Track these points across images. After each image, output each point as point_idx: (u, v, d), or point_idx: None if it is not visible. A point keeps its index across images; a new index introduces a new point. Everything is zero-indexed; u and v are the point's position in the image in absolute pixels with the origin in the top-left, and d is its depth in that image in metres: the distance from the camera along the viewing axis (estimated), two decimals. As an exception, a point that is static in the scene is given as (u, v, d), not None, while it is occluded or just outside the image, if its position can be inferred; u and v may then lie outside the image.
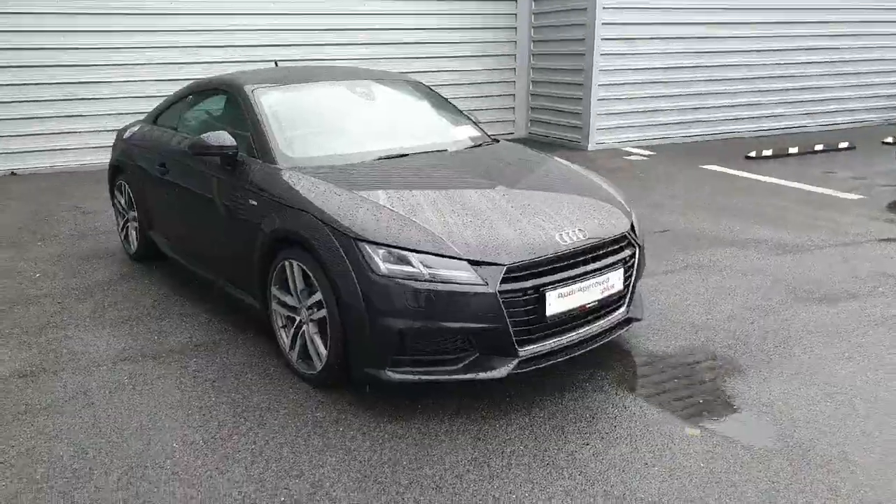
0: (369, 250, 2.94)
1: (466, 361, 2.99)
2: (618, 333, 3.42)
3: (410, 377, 2.98)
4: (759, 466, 2.68)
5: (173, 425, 3.01)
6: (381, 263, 2.91)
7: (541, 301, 2.98)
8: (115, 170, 5.19)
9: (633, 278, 3.43)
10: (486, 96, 10.89)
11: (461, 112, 4.73)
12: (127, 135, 5.15)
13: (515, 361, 3.00)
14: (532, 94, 11.08)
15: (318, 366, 3.22)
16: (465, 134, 4.40)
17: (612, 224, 3.38)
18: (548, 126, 10.82)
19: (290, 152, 3.69)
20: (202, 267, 4.23)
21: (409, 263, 2.91)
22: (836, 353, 3.59)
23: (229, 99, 4.16)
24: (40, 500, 2.53)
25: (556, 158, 4.24)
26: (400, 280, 2.89)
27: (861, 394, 3.19)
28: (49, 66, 8.48)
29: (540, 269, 3.02)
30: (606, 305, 3.30)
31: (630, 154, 9.61)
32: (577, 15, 9.77)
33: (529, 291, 2.97)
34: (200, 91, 4.57)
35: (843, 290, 4.45)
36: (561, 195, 3.54)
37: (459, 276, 2.90)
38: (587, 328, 3.22)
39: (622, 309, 3.41)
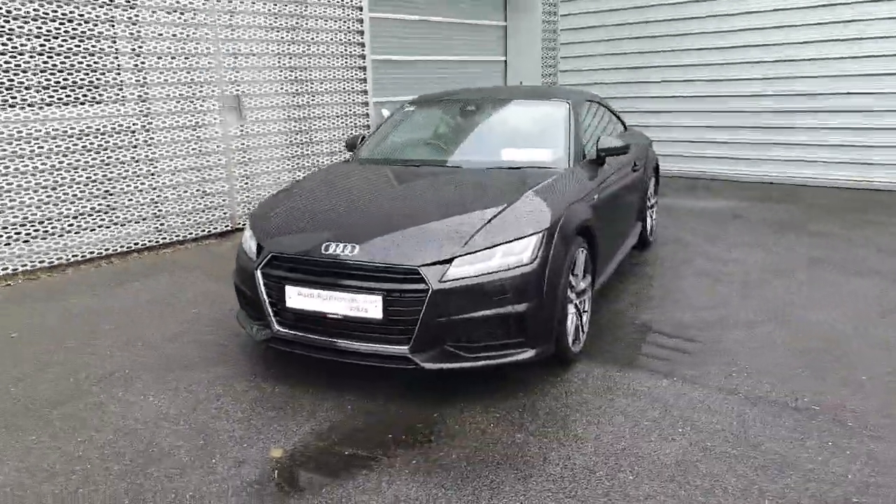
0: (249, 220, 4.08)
1: (256, 320, 3.73)
2: (393, 366, 3.36)
3: (239, 319, 4.00)
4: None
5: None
6: (247, 230, 4.00)
7: (282, 291, 3.50)
8: None
9: (420, 315, 3.24)
10: None
11: (567, 140, 4.50)
12: None
13: (270, 336, 3.62)
14: None
15: None
16: (520, 157, 4.42)
17: (412, 256, 3.31)
18: None
19: (364, 153, 4.99)
20: None
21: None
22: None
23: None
24: None
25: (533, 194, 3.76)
26: (241, 244, 3.96)
27: None
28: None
29: (285, 264, 3.54)
30: (377, 331, 3.33)
31: None
32: None
33: (281, 280, 3.52)
34: None
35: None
36: (428, 221, 3.55)
37: (250, 251, 3.77)
38: (345, 341, 3.42)
39: (402, 346, 3.31)
